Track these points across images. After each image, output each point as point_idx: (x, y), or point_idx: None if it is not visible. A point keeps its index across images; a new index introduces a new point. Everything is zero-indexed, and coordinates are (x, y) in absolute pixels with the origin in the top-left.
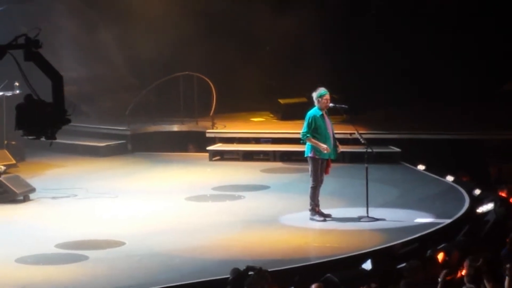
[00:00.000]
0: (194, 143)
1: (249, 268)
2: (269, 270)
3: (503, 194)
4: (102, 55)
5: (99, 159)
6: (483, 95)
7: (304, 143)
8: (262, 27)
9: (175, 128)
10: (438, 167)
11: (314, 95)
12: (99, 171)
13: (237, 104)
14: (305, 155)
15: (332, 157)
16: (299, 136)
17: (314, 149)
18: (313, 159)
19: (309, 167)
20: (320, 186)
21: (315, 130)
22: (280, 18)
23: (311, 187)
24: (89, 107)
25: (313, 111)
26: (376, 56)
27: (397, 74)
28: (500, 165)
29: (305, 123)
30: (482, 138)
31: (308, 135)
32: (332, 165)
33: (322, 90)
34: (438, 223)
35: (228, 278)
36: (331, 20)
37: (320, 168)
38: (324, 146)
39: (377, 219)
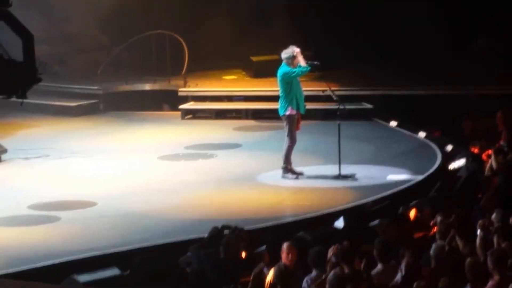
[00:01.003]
0: (167, 102)
1: (224, 227)
2: (243, 229)
3: (476, 150)
4: (72, 14)
5: (71, 119)
6: (456, 51)
7: (305, 70)
8: None
9: (147, 87)
10: (410, 123)
11: (285, 55)
12: (71, 131)
13: (209, 62)
14: (281, 114)
15: (303, 111)
16: (274, 94)
17: (291, 105)
18: (290, 117)
19: (286, 126)
20: (295, 144)
21: (291, 86)
22: None
23: (288, 146)
24: (61, 67)
25: (287, 67)
26: (347, 13)
27: (369, 30)
28: (473, 120)
29: (292, 71)
30: (455, 94)
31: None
32: (305, 122)
33: (289, 49)
34: (410, 180)
35: (202, 237)
36: None
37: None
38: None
39: (349, 177)
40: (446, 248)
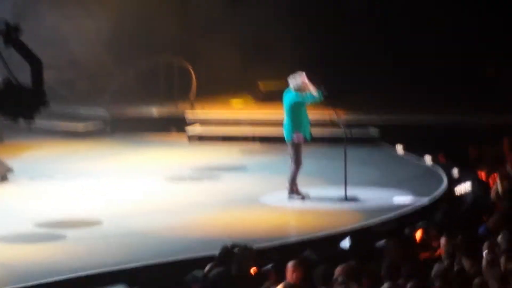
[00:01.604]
0: (174, 125)
1: (234, 245)
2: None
3: (482, 175)
4: (82, 39)
5: (78, 141)
6: (464, 79)
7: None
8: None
9: (155, 110)
10: (417, 148)
11: (294, 82)
12: (77, 153)
13: (216, 87)
14: (288, 140)
15: (309, 138)
16: (281, 119)
17: (298, 131)
18: (297, 144)
19: (291, 151)
20: (301, 168)
21: (299, 113)
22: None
23: (293, 171)
24: (68, 92)
25: (296, 96)
26: (354, 39)
27: (376, 57)
28: (479, 146)
29: (303, 96)
30: (462, 120)
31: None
32: (311, 147)
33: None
34: (416, 202)
35: (209, 256)
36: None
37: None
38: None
39: (355, 199)
40: (455, 268)
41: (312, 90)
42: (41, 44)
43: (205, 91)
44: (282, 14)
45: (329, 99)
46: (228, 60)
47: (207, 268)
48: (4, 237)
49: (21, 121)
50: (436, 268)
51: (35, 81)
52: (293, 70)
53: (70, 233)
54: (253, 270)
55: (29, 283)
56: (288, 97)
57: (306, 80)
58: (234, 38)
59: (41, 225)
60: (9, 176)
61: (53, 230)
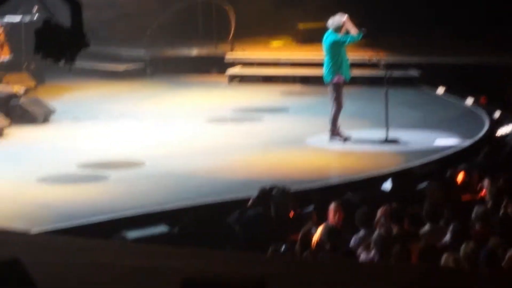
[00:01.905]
0: (214, 66)
1: (272, 188)
2: (291, 190)
3: None
4: None
5: (118, 82)
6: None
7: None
8: None
9: (194, 51)
10: (458, 90)
11: (333, 23)
12: (118, 94)
13: (256, 28)
14: (327, 81)
15: (348, 79)
16: (322, 60)
17: (338, 72)
18: (337, 84)
19: (332, 93)
20: (342, 109)
21: (339, 54)
22: None
23: (335, 110)
24: (107, 32)
25: (336, 35)
26: None
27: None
28: None
29: (344, 39)
30: (503, 62)
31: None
32: (351, 88)
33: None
34: (458, 145)
35: (250, 197)
36: None
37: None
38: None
39: (396, 141)
40: (501, 211)
41: (353, 30)
42: None
43: (245, 32)
44: None
45: (370, 39)
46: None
47: (243, 209)
48: (47, 178)
49: (62, 62)
50: (476, 210)
51: (74, 22)
52: (333, 12)
53: (112, 174)
54: (291, 212)
55: (72, 223)
56: (328, 37)
57: (346, 20)
58: None
59: (83, 166)
60: (51, 117)
61: (95, 171)
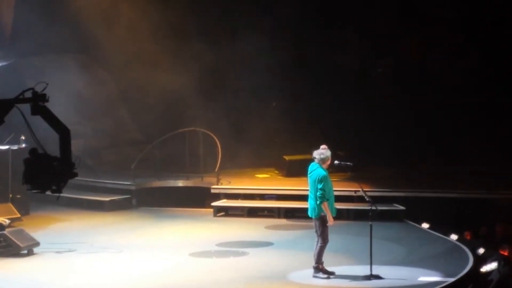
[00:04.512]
0: (199, 199)
1: None
2: None
3: (505, 254)
4: (108, 109)
5: (103, 214)
6: (488, 156)
7: (319, 204)
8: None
9: (180, 183)
10: (442, 226)
11: (318, 155)
12: (103, 226)
13: (242, 160)
14: (314, 216)
15: (334, 214)
16: (307, 193)
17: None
18: (323, 218)
19: (318, 227)
20: (327, 244)
21: (325, 187)
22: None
23: (321, 245)
24: (95, 161)
25: (324, 171)
26: (380, 114)
27: (402, 132)
28: (506, 224)
29: (321, 184)
30: (488, 197)
31: (326, 198)
32: (337, 222)
33: (327, 152)
34: (442, 282)
35: None
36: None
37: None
38: (332, 218)
39: (380, 278)
40: None
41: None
42: (68, 113)
43: (231, 164)
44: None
45: (355, 173)
46: (256, 133)
47: None
48: None
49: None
50: None
51: (63, 150)
52: (317, 145)
53: None
54: None
55: None
56: (316, 172)
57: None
58: (260, 115)
59: None
60: (35, 250)
61: None
